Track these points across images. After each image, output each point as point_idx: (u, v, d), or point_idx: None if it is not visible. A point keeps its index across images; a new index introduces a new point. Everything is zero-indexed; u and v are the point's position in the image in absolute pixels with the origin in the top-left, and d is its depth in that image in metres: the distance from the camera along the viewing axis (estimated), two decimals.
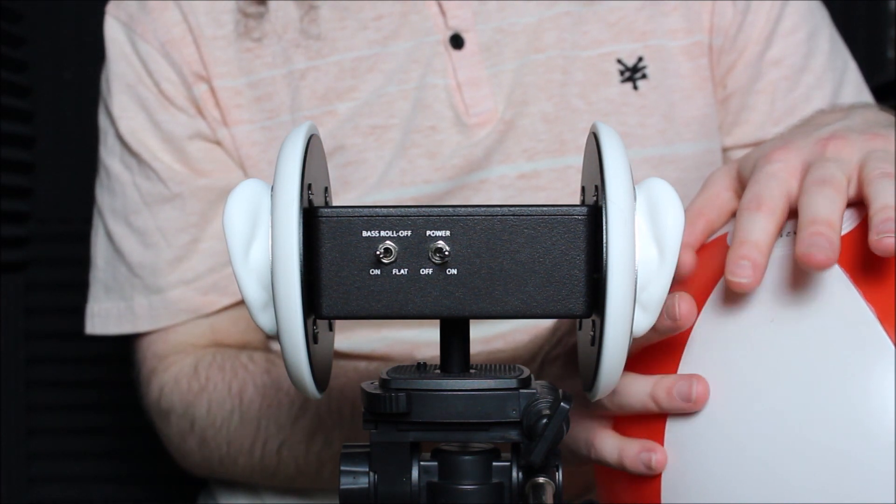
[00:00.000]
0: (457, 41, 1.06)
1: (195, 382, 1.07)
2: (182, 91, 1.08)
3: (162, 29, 1.07)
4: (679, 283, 0.74)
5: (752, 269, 0.68)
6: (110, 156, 1.11)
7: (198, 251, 1.08)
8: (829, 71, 1.10)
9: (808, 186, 0.70)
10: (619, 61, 1.07)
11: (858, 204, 0.71)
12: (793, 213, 0.72)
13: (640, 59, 1.07)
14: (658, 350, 0.74)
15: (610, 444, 0.74)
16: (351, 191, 1.06)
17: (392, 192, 1.05)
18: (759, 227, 0.70)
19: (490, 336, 1.05)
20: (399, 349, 1.07)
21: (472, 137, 1.06)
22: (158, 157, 1.08)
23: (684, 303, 0.70)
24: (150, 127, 1.08)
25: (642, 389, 0.72)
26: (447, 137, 1.06)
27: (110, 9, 1.11)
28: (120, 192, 1.10)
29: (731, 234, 0.74)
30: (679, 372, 0.72)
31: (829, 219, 0.68)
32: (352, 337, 1.08)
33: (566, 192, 1.05)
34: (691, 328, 0.72)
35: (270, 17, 1.07)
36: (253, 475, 1.09)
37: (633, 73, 1.07)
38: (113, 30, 1.10)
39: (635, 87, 1.07)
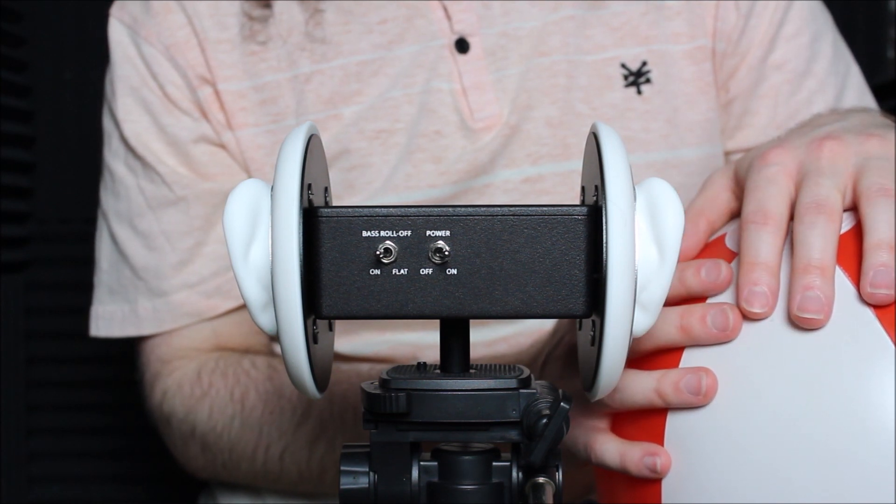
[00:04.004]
0: (462, 45, 1.06)
1: (198, 388, 1.07)
2: (187, 94, 1.07)
3: (166, 32, 1.07)
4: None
5: (768, 296, 0.68)
6: (114, 159, 1.11)
7: (202, 255, 1.08)
8: (831, 75, 1.10)
9: (802, 213, 0.69)
10: (623, 66, 1.07)
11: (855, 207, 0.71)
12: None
13: (644, 64, 1.07)
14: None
15: (611, 449, 0.73)
16: (356, 195, 1.05)
17: (397, 197, 1.05)
18: (768, 245, 0.69)
19: (493, 339, 1.05)
20: (402, 352, 1.07)
21: (476, 142, 1.05)
22: (163, 161, 1.08)
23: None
24: (154, 130, 1.08)
25: (646, 385, 0.71)
26: (452, 142, 1.05)
27: (114, 11, 1.10)
28: (124, 195, 1.10)
29: (729, 236, 0.74)
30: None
31: (822, 263, 0.67)
32: (355, 339, 1.07)
33: (570, 196, 1.05)
34: None
35: (275, 20, 1.07)
36: (256, 480, 1.09)
37: (636, 78, 1.07)
38: (117, 32, 1.10)
39: (639, 92, 1.07)
